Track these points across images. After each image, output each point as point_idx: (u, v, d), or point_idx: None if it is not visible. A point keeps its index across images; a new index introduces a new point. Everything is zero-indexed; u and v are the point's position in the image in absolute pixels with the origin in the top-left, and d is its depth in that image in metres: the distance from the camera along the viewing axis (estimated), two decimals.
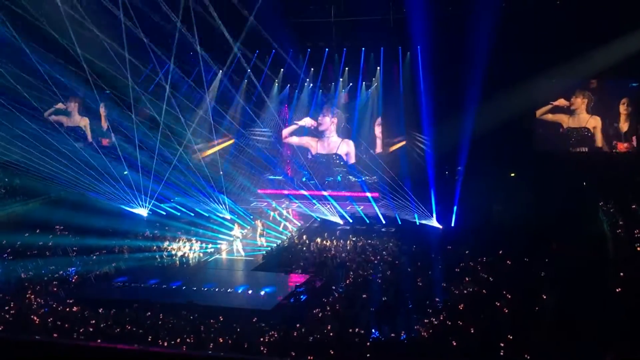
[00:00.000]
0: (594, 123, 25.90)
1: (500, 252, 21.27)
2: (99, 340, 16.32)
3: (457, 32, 24.20)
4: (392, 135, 29.96)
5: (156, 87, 29.85)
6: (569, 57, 24.05)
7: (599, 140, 25.88)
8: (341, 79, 30.25)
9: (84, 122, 32.30)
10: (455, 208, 25.79)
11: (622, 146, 25.60)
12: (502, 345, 14.73)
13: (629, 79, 25.17)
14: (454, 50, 24.72)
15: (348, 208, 28.16)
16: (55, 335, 16.72)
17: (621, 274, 18.87)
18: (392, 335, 16.21)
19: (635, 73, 24.57)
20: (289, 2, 27.96)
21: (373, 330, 16.23)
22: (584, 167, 25.28)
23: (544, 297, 17.45)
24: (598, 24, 23.00)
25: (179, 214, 28.57)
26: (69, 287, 21.39)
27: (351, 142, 30.77)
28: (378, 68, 29.18)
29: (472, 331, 15.80)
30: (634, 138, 25.43)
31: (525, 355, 14.33)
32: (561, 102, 26.12)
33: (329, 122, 30.96)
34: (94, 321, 17.64)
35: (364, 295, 18.80)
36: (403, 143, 29.53)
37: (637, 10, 22.47)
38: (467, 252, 21.78)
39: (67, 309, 18.76)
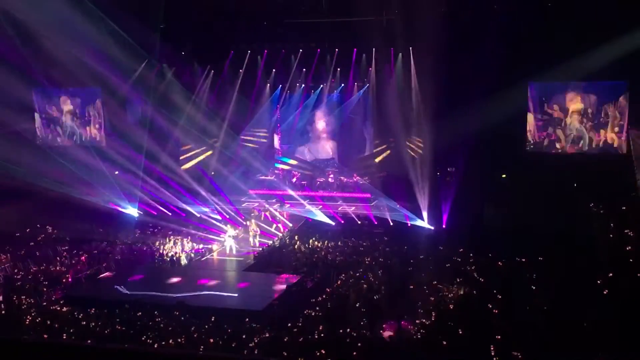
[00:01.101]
0: (585, 124, 25.97)
1: (491, 253, 21.32)
2: (89, 341, 16.29)
3: (450, 34, 24.26)
4: (383, 137, 30.01)
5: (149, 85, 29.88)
6: (561, 59, 24.15)
7: (589, 142, 25.97)
8: (333, 80, 30.26)
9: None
10: (445, 209, 25.84)
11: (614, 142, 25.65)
12: (492, 347, 14.79)
13: (619, 80, 25.24)
14: (446, 51, 24.76)
15: (339, 209, 28.17)
16: (45, 335, 16.68)
17: (610, 274, 18.98)
18: (383, 335, 16.25)
19: (624, 74, 24.66)
20: (281, 2, 27.94)
21: None
22: (574, 168, 25.37)
23: (535, 297, 17.51)
24: (589, 26, 23.08)
25: (170, 214, 28.55)
26: (60, 287, 21.30)
27: (334, 143, 30.99)
28: (370, 69, 29.20)
29: (463, 332, 15.84)
30: (623, 138, 25.53)
31: (517, 354, 14.40)
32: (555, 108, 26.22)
33: (324, 127, 31.13)
34: (84, 321, 17.60)
35: (355, 296, 18.80)
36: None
37: (627, 13, 22.62)
38: (458, 253, 21.82)
39: (58, 309, 18.68)
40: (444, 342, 15.30)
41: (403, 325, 16.96)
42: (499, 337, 15.11)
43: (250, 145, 31.96)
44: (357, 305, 18.11)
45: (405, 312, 17.62)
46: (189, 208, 28.54)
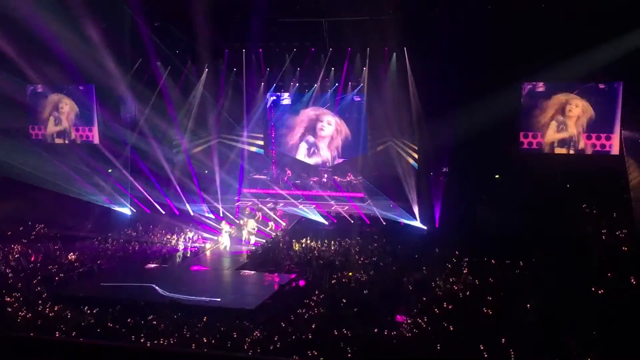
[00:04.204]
0: (579, 125, 26.01)
1: (484, 253, 21.36)
2: (81, 339, 16.23)
3: (444, 33, 24.26)
4: (378, 137, 30.01)
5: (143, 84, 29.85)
6: (556, 60, 24.19)
7: (583, 143, 26.02)
8: (327, 79, 30.26)
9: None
10: (439, 209, 25.88)
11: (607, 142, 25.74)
12: (483, 347, 14.82)
13: (613, 81, 25.30)
14: (440, 51, 24.78)
15: (333, 208, 28.19)
16: (32, 334, 16.62)
17: (603, 275, 19.05)
18: (376, 335, 16.26)
19: (618, 76, 24.73)
20: (276, 1, 27.91)
21: None
22: (567, 169, 25.44)
23: (527, 298, 17.54)
24: (584, 27, 23.15)
25: (164, 212, 28.54)
26: (52, 285, 21.23)
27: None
28: (364, 68, 29.19)
29: (455, 331, 15.88)
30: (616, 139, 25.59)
31: (509, 354, 14.44)
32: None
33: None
34: (76, 320, 17.56)
35: (348, 296, 18.80)
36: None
37: (622, 14, 22.69)
38: (451, 253, 21.86)
39: (49, 308, 18.61)
40: (437, 342, 15.33)
41: (396, 324, 16.98)
42: (492, 336, 15.16)
43: (243, 144, 31.91)
44: (349, 304, 18.11)
45: (398, 311, 17.66)
46: (183, 206, 28.54)
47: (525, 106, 26.27)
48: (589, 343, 14.65)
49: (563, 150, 26.16)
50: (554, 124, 26.19)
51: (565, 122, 26.02)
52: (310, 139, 31.09)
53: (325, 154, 30.95)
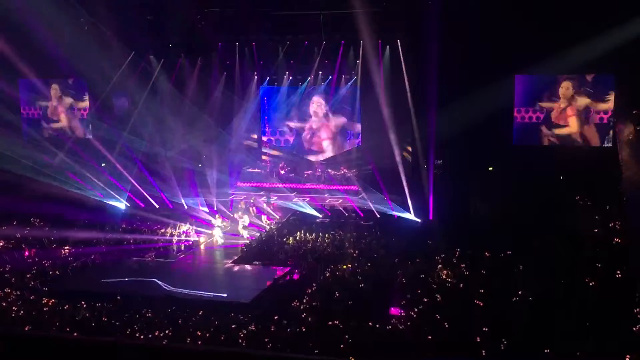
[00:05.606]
0: (573, 118, 26.05)
1: (477, 245, 21.42)
2: (75, 334, 16.25)
3: (437, 26, 24.22)
4: (371, 130, 29.98)
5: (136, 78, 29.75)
6: (548, 52, 24.21)
7: (577, 135, 26.07)
8: (321, 72, 30.19)
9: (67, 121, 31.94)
10: (432, 202, 25.92)
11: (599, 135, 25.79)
12: (478, 338, 14.90)
13: (606, 73, 25.34)
14: (434, 44, 24.74)
15: (327, 201, 28.19)
16: (27, 328, 16.64)
17: (595, 266, 19.15)
18: (370, 327, 16.32)
19: (611, 68, 24.75)
20: None
21: None
22: (561, 161, 25.47)
23: (520, 290, 17.62)
24: (577, 18, 23.15)
25: (158, 206, 28.50)
26: (46, 279, 21.19)
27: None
28: (358, 61, 29.14)
29: (449, 323, 15.96)
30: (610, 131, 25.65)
31: (502, 346, 14.53)
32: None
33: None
34: (70, 315, 17.56)
35: (342, 288, 18.85)
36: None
37: (615, 6, 22.71)
38: (444, 245, 21.91)
39: (43, 302, 18.61)
40: (431, 333, 15.41)
41: (390, 316, 17.04)
42: (485, 328, 15.24)
43: (237, 137, 31.83)
44: (344, 297, 18.16)
45: (392, 304, 17.72)
46: (177, 200, 28.50)
47: (517, 99, 26.26)
48: (581, 334, 14.75)
49: (556, 143, 26.12)
50: (546, 116, 26.23)
51: (557, 114, 26.05)
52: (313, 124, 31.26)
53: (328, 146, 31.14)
